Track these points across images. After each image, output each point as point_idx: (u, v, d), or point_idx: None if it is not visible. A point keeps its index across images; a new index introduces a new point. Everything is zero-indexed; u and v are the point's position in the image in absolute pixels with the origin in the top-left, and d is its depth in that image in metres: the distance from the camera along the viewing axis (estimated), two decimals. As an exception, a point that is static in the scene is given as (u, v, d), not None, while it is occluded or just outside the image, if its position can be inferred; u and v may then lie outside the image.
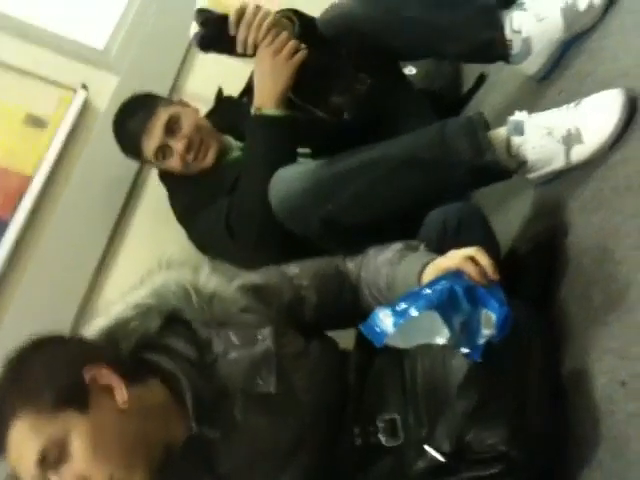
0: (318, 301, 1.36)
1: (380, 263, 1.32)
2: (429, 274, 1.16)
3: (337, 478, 1.19)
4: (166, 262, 1.29)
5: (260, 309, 1.27)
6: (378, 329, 1.04)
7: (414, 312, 1.02)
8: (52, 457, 1.04)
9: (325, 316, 1.38)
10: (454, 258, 1.13)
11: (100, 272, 2.04)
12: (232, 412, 1.14)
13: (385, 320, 1.04)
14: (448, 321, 1.03)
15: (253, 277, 1.35)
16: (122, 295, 1.26)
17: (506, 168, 1.45)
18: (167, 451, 1.10)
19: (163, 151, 1.84)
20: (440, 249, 1.36)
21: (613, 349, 1.13)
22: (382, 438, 1.17)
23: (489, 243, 1.42)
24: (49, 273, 1.96)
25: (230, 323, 1.23)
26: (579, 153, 1.37)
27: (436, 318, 1.02)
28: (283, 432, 1.16)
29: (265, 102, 1.66)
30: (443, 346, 1.10)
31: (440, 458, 1.08)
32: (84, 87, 2.28)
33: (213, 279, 1.26)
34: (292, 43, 1.64)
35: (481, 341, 1.04)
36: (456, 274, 1.09)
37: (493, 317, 1.03)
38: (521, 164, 1.44)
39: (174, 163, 1.86)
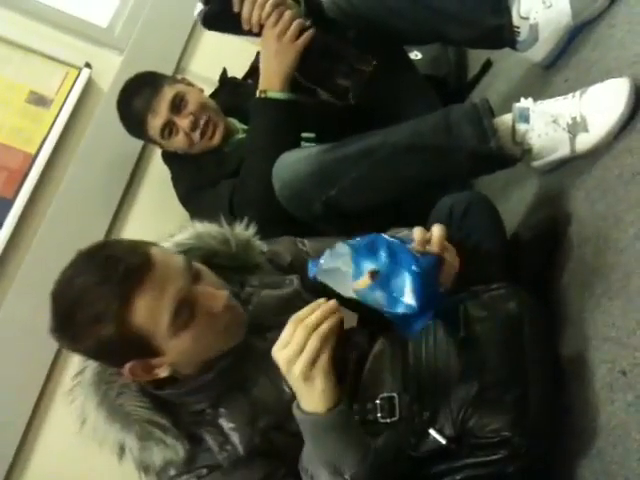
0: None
1: None
2: None
3: None
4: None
5: (271, 267, 1.37)
6: (317, 261, 1.10)
7: (340, 246, 1.08)
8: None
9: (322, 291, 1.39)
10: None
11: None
12: (264, 344, 1.18)
13: (322, 257, 1.10)
14: (356, 259, 1.05)
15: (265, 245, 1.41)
16: (161, 238, 1.31)
17: (511, 155, 1.45)
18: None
19: (169, 128, 1.83)
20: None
21: (614, 338, 1.14)
22: (379, 415, 1.20)
23: (494, 230, 1.43)
24: (52, 253, 1.95)
25: (259, 271, 1.34)
26: (584, 142, 1.36)
27: (348, 257, 1.06)
28: None
29: (270, 84, 1.65)
30: (445, 333, 1.12)
31: (442, 441, 1.09)
32: (88, 65, 2.27)
33: (248, 229, 1.36)
34: (297, 24, 1.62)
35: (400, 309, 1.03)
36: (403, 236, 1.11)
37: (407, 279, 1.03)
38: (526, 152, 1.44)
39: (180, 141, 1.85)
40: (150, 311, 1.06)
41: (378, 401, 1.22)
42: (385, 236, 1.08)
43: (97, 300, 1.05)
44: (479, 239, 1.39)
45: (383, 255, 1.05)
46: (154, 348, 1.11)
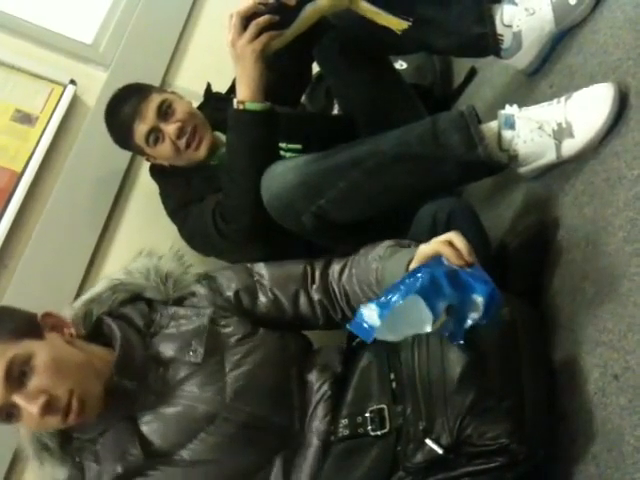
0: (273, 300, 1.45)
1: (371, 258, 1.35)
2: (414, 264, 1.17)
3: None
4: (147, 251, 1.49)
5: (208, 295, 1.43)
6: (366, 325, 1.05)
7: (397, 300, 1.03)
8: (17, 372, 1.17)
9: (281, 316, 1.45)
10: (433, 243, 1.15)
11: (91, 269, 2.04)
12: (163, 376, 1.30)
13: (371, 315, 1.04)
14: (431, 305, 1.03)
15: (211, 269, 1.53)
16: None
17: (497, 162, 1.45)
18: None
19: (155, 135, 1.80)
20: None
21: (606, 342, 1.14)
22: (369, 427, 1.21)
23: (478, 237, 1.43)
24: (39, 270, 1.95)
25: (183, 303, 1.42)
26: (570, 147, 1.37)
27: (420, 304, 1.02)
28: (201, 403, 1.27)
29: (240, 94, 1.61)
30: (439, 342, 1.13)
31: (439, 451, 1.08)
32: (73, 82, 2.26)
33: (170, 263, 1.46)
34: (255, 23, 1.52)
35: (467, 324, 1.05)
36: (436, 260, 1.10)
37: (479, 299, 1.03)
38: (512, 158, 1.44)
39: (165, 149, 1.82)
40: None
41: (368, 414, 1.23)
42: (433, 268, 1.07)
43: None
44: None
45: (449, 288, 1.04)
46: None
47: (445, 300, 1.04)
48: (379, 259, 1.32)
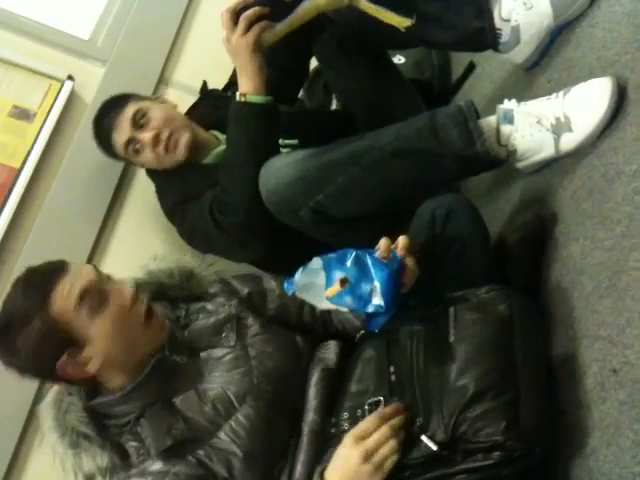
0: (281, 305, 1.53)
1: None
2: None
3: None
4: (161, 256, 1.56)
5: (225, 295, 1.50)
6: (291, 281, 1.20)
7: (312, 264, 1.19)
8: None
9: (287, 322, 1.51)
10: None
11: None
12: (196, 362, 1.36)
13: (297, 274, 1.19)
14: (327, 270, 1.19)
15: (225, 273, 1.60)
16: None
17: (496, 157, 1.45)
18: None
19: (133, 145, 1.82)
20: (429, 239, 1.39)
21: (604, 337, 1.14)
22: None
23: (478, 232, 1.43)
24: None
25: (206, 299, 1.49)
26: (569, 141, 1.37)
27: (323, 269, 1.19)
28: (232, 385, 1.31)
29: (242, 87, 1.62)
30: (436, 338, 1.13)
31: (433, 447, 1.08)
32: (70, 78, 2.26)
33: (192, 260, 1.55)
34: (243, 17, 1.55)
35: (370, 309, 1.17)
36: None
37: (377, 284, 1.15)
38: (511, 153, 1.44)
39: (147, 157, 1.83)
40: (63, 300, 1.25)
41: (367, 407, 1.23)
42: (354, 249, 1.20)
43: (23, 303, 1.26)
44: (463, 243, 1.39)
45: (351, 264, 1.18)
46: (77, 336, 1.26)
47: (341, 271, 1.17)
48: None
